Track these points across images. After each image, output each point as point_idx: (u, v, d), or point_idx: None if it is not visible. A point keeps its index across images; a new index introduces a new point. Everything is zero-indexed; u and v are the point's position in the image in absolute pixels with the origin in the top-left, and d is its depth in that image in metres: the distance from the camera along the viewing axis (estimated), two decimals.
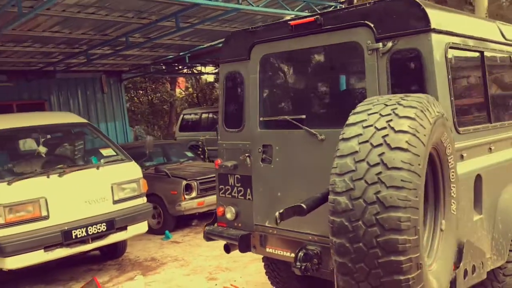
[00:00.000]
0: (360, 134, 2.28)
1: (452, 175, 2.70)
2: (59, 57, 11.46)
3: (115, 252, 7.68)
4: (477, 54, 3.72)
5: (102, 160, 7.12)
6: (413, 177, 2.15)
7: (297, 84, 4.04)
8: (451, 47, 3.33)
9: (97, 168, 6.81)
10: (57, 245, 6.14)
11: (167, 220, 9.09)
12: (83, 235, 6.32)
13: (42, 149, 7.10)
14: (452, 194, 2.72)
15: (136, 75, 16.17)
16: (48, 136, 7.39)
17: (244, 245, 4.23)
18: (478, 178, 3.43)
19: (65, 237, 6.17)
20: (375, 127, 2.26)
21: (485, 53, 3.78)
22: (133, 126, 21.02)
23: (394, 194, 2.10)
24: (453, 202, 2.73)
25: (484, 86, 3.77)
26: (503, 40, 4.09)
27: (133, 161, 7.26)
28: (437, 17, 3.26)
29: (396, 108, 2.31)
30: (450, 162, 2.67)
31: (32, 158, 6.97)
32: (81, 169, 6.69)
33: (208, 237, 4.54)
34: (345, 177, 2.22)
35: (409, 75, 3.32)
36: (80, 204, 6.40)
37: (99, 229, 6.47)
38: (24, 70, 12.64)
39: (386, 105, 2.35)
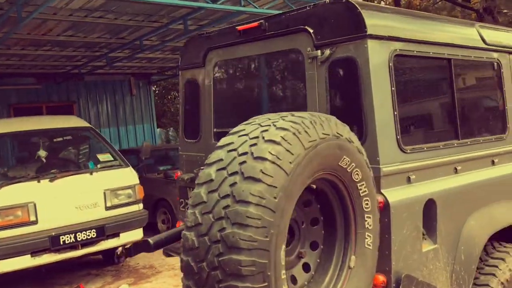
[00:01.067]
0: (221, 160, 1.98)
1: (366, 205, 2.34)
2: (83, 60, 11.65)
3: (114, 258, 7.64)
4: (442, 61, 3.29)
5: (99, 165, 7.09)
6: (264, 212, 1.82)
7: (248, 93, 3.75)
8: (398, 55, 2.94)
9: (91, 173, 6.77)
10: (44, 250, 6.14)
11: (175, 226, 8.97)
12: (71, 241, 6.29)
13: (42, 153, 7.15)
14: (367, 226, 2.36)
15: (165, 77, 16.25)
16: (49, 140, 7.44)
17: None
18: (432, 203, 3.02)
19: (53, 242, 6.16)
20: (238, 152, 1.95)
21: (454, 60, 3.34)
22: (167, 128, 21.20)
23: (236, 232, 1.79)
24: (368, 235, 2.36)
25: (452, 98, 3.32)
26: (483, 45, 3.61)
27: (130, 167, 7.18)
28: (378, 21, 2.88)
29: (266, 130, 1.99)
30: (361, 190, 2.31)
31: (30, 162, 7.04)
32: (73, 174, 6.67)
33: (167, 252, 4.34)
34: (196, 209, 1.93)
35: (347, 87, 2.96)
36: (70, 210, 6.37)
37: (89, 235, 6.42)
38: (53, 73, 12.96)
39: (260, 126, 2.04)
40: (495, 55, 3.72)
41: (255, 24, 3.38)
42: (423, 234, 3.02)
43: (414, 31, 3.09)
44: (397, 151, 2.88)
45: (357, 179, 2.28)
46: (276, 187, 1.85)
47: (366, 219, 2.35)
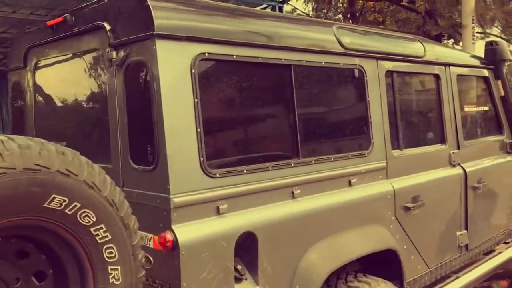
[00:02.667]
0: None
1: (110, 253, 1.82)
2: None
3: None
4: (277, 68, 2.81)
5: None
6: None
7: (64, 102, 3.18)
8: (207, 60, 2.44)
9: None
10: None
11: None
12: None
13: None
14: (113, 280, 1.84)
15: None
16: None
17: None
18: (251, 237, 2.53)
19: None
20: None
21: (296, 67, 2.86)
22: None
23: None
24: None
25: (292, 111, 2.84)
26: (339, 50, 3.15)
27: None
28: (175, 17, 2.36)
29: None
30: (98, 236, 1.79)
31: None
32: None
33: None
34: None
35: (141, 97, 2.44)
36: None
37: None
38: None
39: None
40: (356, 60, 3.27)
41: (61, 18, 2.83)
42: (241, 274, 2.53)
43: (234, 32, 2.58)
44: (201, 176, 2.37)
45: (89, 222, 1.75)
46: None
47: (110, 271, 1.82)
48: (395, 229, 3.43)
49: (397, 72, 3.65)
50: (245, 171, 2.56)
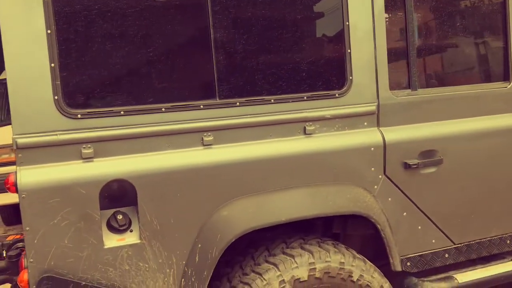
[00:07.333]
0: None
1: None
2: None
3: None
4: None
5: None
6: None
7: None
8: None
9: None
10: None
11: None
12: None
13: None
14: None
15: None
16: None
17: None
18: (128, 186, 2.25)
19: None
20: None
21: None
22: None
23: None
24: None
25: (207, 39, 2.34)
26: None
27: None
28: None
29: None
30: None
31: None
32: None
33: None
34: None
35: None
36: None
37: None
38: None
39: None
40: None
41: None
42: (121, 225, 2.30)
43: None
44: (57, 116, 2.17)
45: None
46: None
47: None
48: (384, 191, 2.70)
49: None
50: (122, 113, 2.25)
